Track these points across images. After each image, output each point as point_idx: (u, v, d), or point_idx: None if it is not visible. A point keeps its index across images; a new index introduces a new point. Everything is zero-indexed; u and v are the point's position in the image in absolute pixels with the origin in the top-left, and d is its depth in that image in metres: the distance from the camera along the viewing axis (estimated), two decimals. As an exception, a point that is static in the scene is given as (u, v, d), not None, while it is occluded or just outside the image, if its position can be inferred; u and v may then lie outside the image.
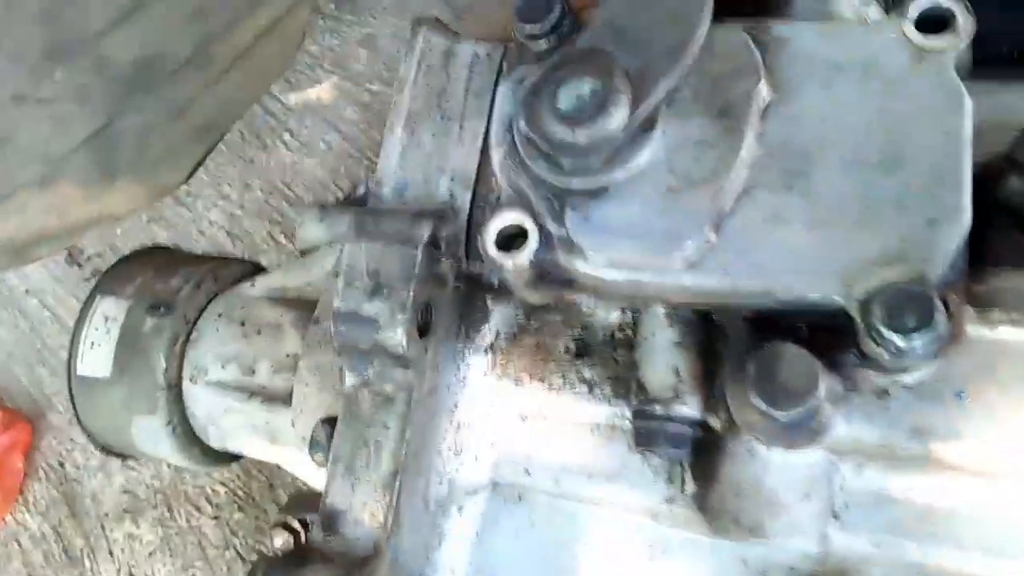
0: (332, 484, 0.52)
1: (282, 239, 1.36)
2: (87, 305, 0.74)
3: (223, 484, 1.23)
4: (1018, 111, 0.55)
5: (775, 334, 0.48)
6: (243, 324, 0.73)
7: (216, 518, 1.23)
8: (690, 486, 0.54)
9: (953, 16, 0.48)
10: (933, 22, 0.48)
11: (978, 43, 0.95)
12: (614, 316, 0.58)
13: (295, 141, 1.40)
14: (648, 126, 0.50)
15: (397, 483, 0.51)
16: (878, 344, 0.43)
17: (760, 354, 0.45)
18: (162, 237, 1.34)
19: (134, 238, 1.34)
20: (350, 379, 0.54)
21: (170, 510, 1.25)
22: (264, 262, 1.31)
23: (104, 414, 0.76)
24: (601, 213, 0.50)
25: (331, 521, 0.51)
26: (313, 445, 0.59)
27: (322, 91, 1.47)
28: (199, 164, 0.84)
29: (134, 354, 0.73)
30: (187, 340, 0.74)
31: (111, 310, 0.74)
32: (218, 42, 0.76)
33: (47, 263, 1.41)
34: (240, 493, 1.23)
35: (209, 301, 0.75)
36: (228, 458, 0.82)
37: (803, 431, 0.46)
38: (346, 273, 0.52)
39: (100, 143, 0.75)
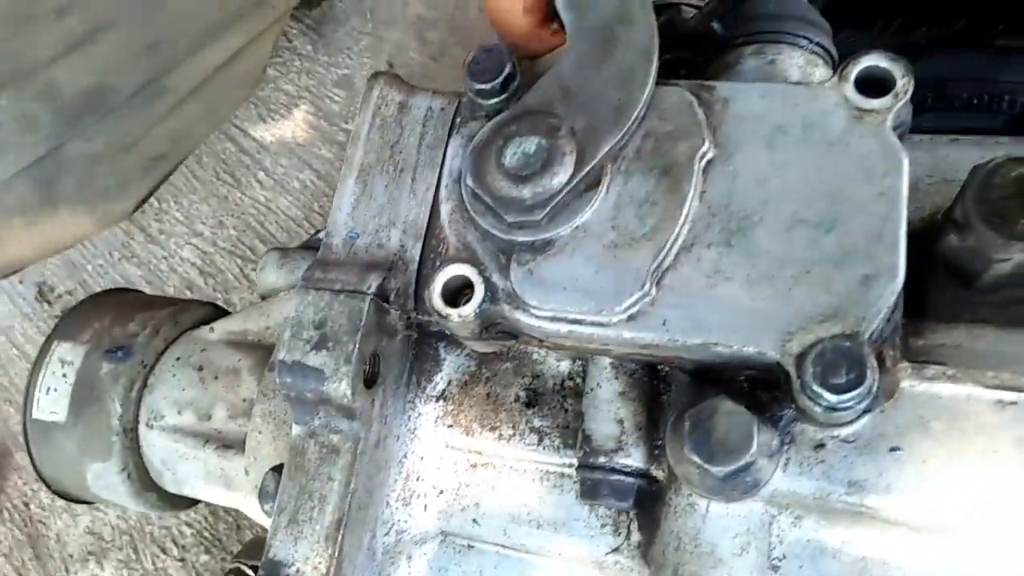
0: (275, 535, 0.52)
1: (254, 277, 1.36)
2: (44, 350, 0.74)
3: (189, 525, 1.22)
4: (961, 166, 0.56)
5: (715, 387, 0.48)
6: (200, 369, 0.73)
7: (182, 560, 1.22)
8: (635, 536, 0.54)
9: (892, 78, 0.49)
10: (872, 84, 0.50)
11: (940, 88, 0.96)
12: (564, 365, 0.58)
13: (269, 179, 1.41)
14: (593, 184, 0.51)
15: (340, 535, 0.51)
16: (811, 400, 0.44)
17: (696, 410, 0.45)
18: (134, 274, 1.34)
19: (105, 275, 1.34)
20: (296, 429, 0.54)
21: (135, 552, 1.23)
22: (236, 299, 1.31)
23: (59, 459, 0.75)
24: (545, 267, 0.50)
25: (274, 574, 0.51)
26: (263, 494, 0.59)
27: (297, 130, 1.48)
28: (150, 194, 0.84)
29: (90, 399, 0.73)
30: (144, 385, 0.73)
31: (68, 355, 0.74)
32: (172, 75, 0.76)
33: (16, 299, 1.40)
34: (207, 535, 1.22)
35: (168, 346, 0.75)
36: (186, 503, 0.81)
37: (739, 485, 0.46)
38: (293, 324, 0.52)
39: (43, 170, 0.75)
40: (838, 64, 0.55)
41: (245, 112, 1.48)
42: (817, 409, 0.44)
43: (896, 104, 0.48)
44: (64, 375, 0.74)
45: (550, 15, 0.57)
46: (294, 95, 1.50)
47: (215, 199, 1.38)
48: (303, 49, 1.52)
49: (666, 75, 0.73)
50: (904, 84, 0.48)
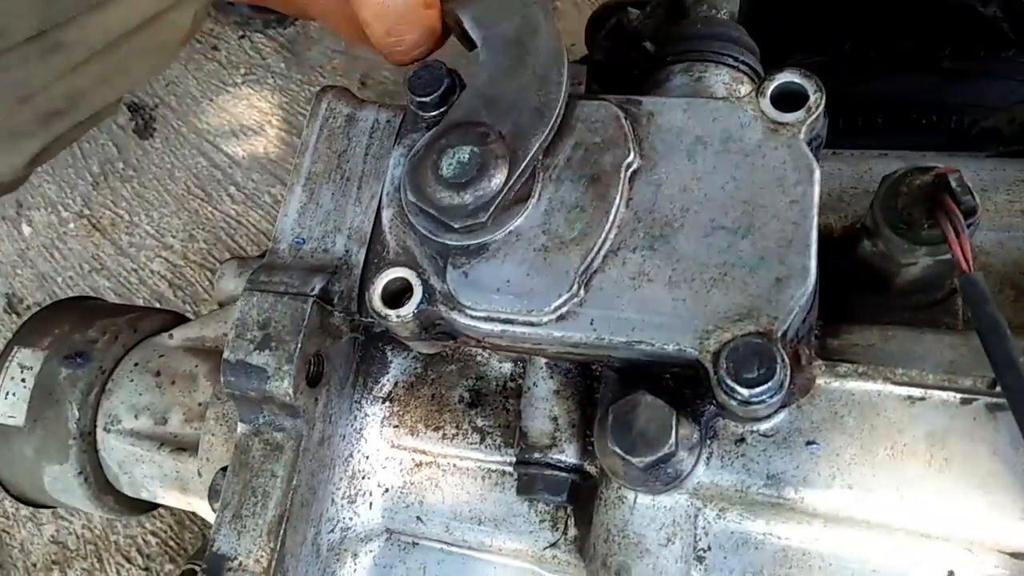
0: (219, 530, 0.53)
1: (222, 288, 1.38)
2: (4, 355, 0.76)
3: (154, 535, 1.22)
4: (881, 175, 0.59)
5: (642, 383, 0.51)
6: (158, 374, 0.75)
7: (147, 569, 1.22)
8: (572, 531, 0.56)
9: (805, 93, 0.52)
10: (788, 99, 0.53)
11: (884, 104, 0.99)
12: (507, 366, 0.60)
13: (240, 194, 1.43)
14: (526, 191, 0.53)
15: (282, 530, 0.53)
16: (727, 394, 0.46)
17: (619, 404, 0.47)
18: (103, 286, 1.35)
19: (75, 287, 1.36)
20: (241, 428, 0.56)
21: (100, 561, 1.24)
22: (204, 311, 1.33)
23: (18, 463, 0.76)
24: (479, 270, 0.52)
25: (217, 567, 0.52)
26: (212, 494, 0.61)
27: (270, 145, 1.50)
28: (45, 153, 0.82)
29: (48, 404, 0.74)
30: (102, 390, 0.75)
31: (27, 360, 0.75)
32: (69, 29, 0.73)
33: (-16, 311, 1.41)
34: (172, 544, 1.23)
35: (126, 352, 0.77)
36: (145, 506, 0.82)
37: (661, 476, 0.48)
38: (237, 324, 0.54)
39: None
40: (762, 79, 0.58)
41: (218, 128, 1.51)
42: (733, 403, 0.46)
43: (809, 118, 0.51)
44: (23, 380, 0.75)
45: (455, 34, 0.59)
46: (267, 112, 1.52)
47: (186, 213, 1.40)
48: (276, 67, 1.55)
49: (620, 75, 0.75)
50: (816, 99, 0.51)
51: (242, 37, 1.55)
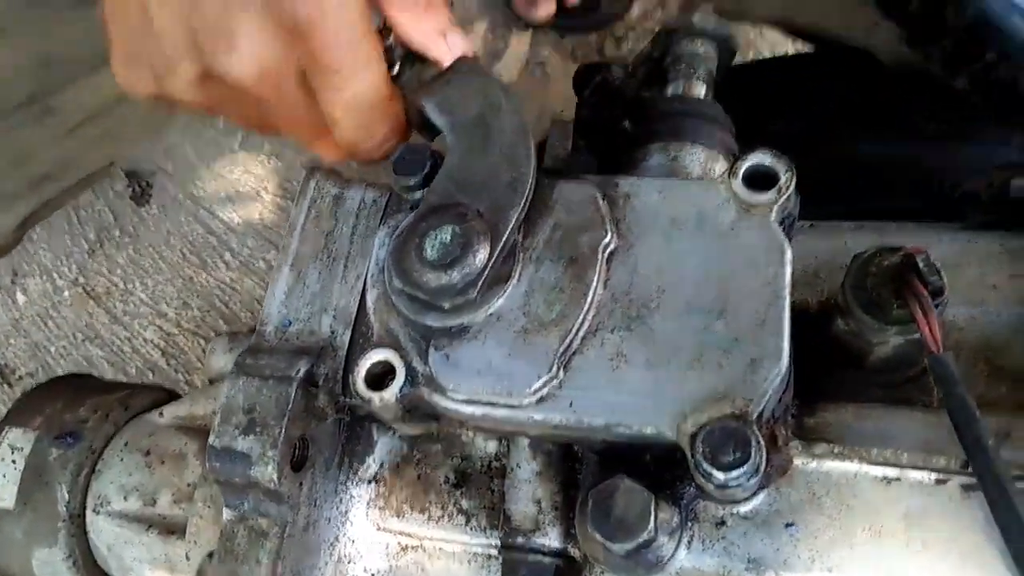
0: (203, 619, 0.53)
1: (214, 359, 1.38)
2: (-6, 436, 0.76)
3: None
4: (856, 250, 0.60)
5: (622, 466, 0.51)
6: (147, 454, 0.75)
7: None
8: (558, 615, 0.55)
9: (776, 174, 0.54)
10: (760, 179, 0.54)
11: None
12: (492, 446, 0.61)
13: (235, 260, 1.44)
14: (506, 273, 0.54)
15: (266, 618, 0.52)
16: (704, 477, 0.46)
17: (598, 489, 0.48)
18: (96, 356, 1.36)
19: (68, 356, 1.36)
20: (227, 514, 0.56)
21: (90, 637, 1.22)
22: (198, 380, 1.33)
23: (7, 546, 0.76)
24: (461, 352, 0.53)
25: (200, 657, 0.52)
26: (199, 579, 0.61)
27: (265, 211, 1.52)
28: (35, 216, 0.82)
29: (38, 485, 0.74)
30: (92, 471, 0.75)
31: (18, 441, 0.75)
32: (63, 95, 0.74)
33: (-23, 384, 1.41)
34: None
35: (117, 430, 0.77)
36: (134, 588, 0.81)
37: (642, 562, 0.48)
38: (223, 409, 0.55)
39: None
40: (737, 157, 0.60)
41: (214, 195, 1.53)
42: (711, 486, 0.47)
43: (780, 198, 0.52)
44: (13, 461, 0.75)
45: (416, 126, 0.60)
46: (263, 177, 1.55)
47: (181, 280, 1.41)
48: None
49: (608, 130, 0.76)
50: (787, 179, 0.53)
51: (238, 106, 1.58)
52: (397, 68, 0.59)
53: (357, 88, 0.53)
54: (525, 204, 0.53)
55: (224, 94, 0.52)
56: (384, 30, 0.58)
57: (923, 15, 0.53)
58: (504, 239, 0.52)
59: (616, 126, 0.71)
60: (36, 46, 0.71)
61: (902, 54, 0.60)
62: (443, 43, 0.58)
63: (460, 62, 0.58)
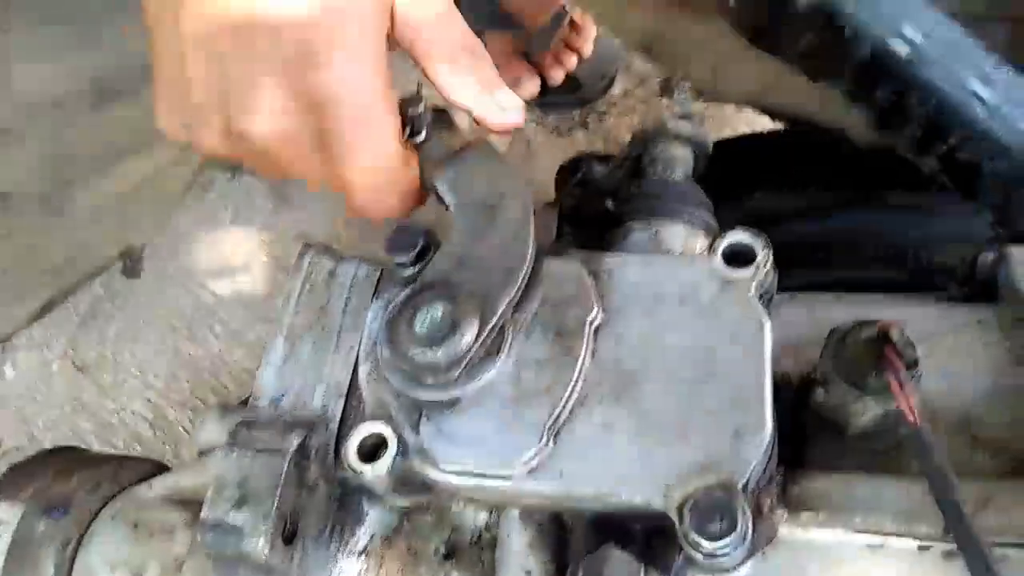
0: None
1: (203, 430, 1.37)
2: (-19, 510, 0.75)
3: None
4: (838, 323, 0.62)
5: (612, 536, 0.52)
6: (136, 526, 0.74)
7: None
8: None
9: (753, 251, 0.56)
10: (738, 256, 0.56)
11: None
12: (482, 516, 0.61)
13: (225, 331, 1.45)
14: (496, 346, 0.56)
15: None
16: (692, 547, 0.47)
17: (587, 560, 0.49)
18: (84, 428, 1.35)
19: (55, 429, 1.35)
20: (217, 587, 0.56)
21: None
22: (185, 452, 1.32)
23: (-12, 623, 0.75)
24: (452, 424, 0.54)
25: None
26: (186, 655, 0.60)
27: (256, 283, 1.54)
28: (45, 308, 0.83)
29: (24, 560, 0.73)
30: (79, 544, 0.74)
31: (5, 515, 0.75)
32: (75, 191, 0.75)
33: (-38, 455, 1.40)
34: None
35: (105, 503, 0.77)
36: (117, 666, 0.80)
37: (633, 633, 0.48)
38: (216, 483, 0.55)
39: None
40: (716, 234, 0.62)
41: (205, 267, 1.55)
42: (699, 556, 0.47)
43: (758, 274, 0.55)
44: (0, 536, 0.75)
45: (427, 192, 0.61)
46: (254, 250, 1.57)
47: (169, 351, 1.42)
48: (265, 207, 1.61)
49: (590, 221, 0.79)
50: (764, 257, 0.55)
51: (231, 178, 1.61)
52: (424, 135, 0.58)
53: (369, 160, 0.54)
54: (518, 292, 0.55)
55: (248, 149, 0.53)
56: (415, 98, 0.58)
57: (888, 104, 0.56)
58: (492, 323, 0.54)
59: (597, 217, 0.74)
60: (50, 147, 0.73)
61: (874, 135, 0.63)
62: (492, 102, 0.56)
63: (475, 143, 0.59)
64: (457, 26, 0.56)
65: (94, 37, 0.69)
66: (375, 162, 0.55)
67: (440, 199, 0.61)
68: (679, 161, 0.69)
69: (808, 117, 0.96)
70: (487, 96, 0.56)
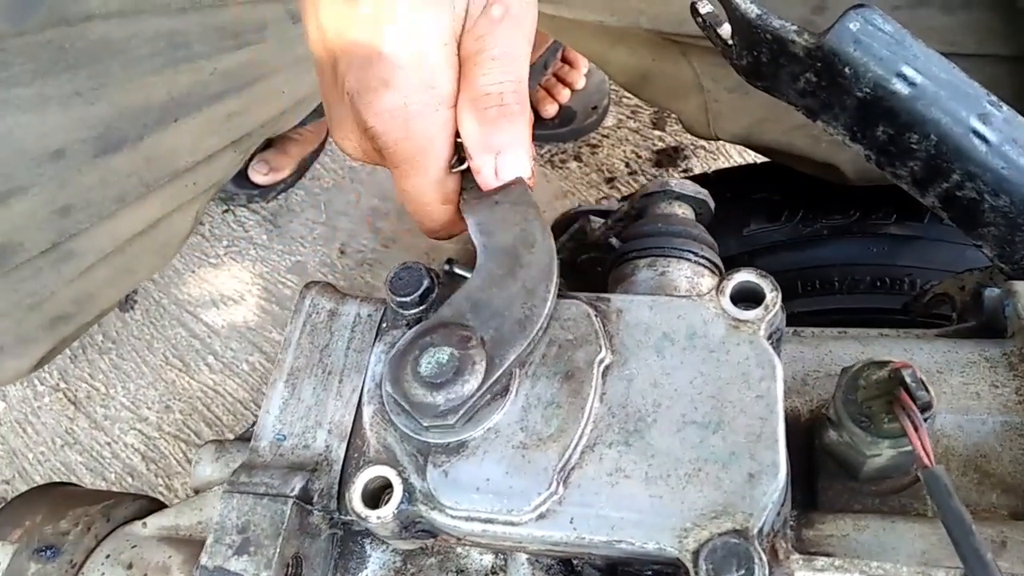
0: None
1: (197, 464, 1.36)
2: (-29, 552, 0.73)
3: None
4: (844, 360, 0.62)
5: (623, 582, 0.51)
6: (130, 567, 0.73)
7: None
8: None
9: (762, 292, 0.56)
10: (746, 296, 0.56)
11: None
12: (487, 559, 0.60)
13: (218, 363, 1.43)
14: (503, 389, 0.55)
15: None
16: (708, 595, 0.46)
17: (600, 607, 0.47)
18: (75, 461, 1.33)
19: (46, 463, 1.33)
20: (217, 635, 0.54)
21: None
22: (178, 485, 1.31)
23: (-24, 668, 0.73)
24: (459, 468, 0.53)
25: None
26: None
27: (249, 314, 1.52)
28: (50, 354, 0.83)
29: (14, 603, 0.72)
30: (72, 586, 0.72)
31: (-4, 556, 0.73)
32: (81, 239, 0.76)
33: (-49, 491, 1.37)
34: None
35: (98, 543, 0.75)
36: None
37: None
38: (216, 529, 0.54)
39: None
40: (722, 273, 0.62)
41: (198, 299, 1.54)
42: (714, 603, 0.46)
43: (767, 315, 0.54)
44: (-10, 578, 0.73)
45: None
46: (248, 282, 1.56)
47: (163, 383, 1.40)
48: (259, 239, 1.60)
49: (583, 273, 0.80)
50: (773, 298, 0.55)
51: (226, 211, 1.60)
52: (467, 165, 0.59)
53: (414, 185, 0.59)
54: (530, 344, 0.54)
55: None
56: None
57: (888, 142, 0.56)
58: (498, 374, 0.53)
59: (592, 269, 0.73)
60: (55, 197, 0.73)
61: (869, 170, 0.63)
62: (490, 162, 0.57)
63: (514, 184, 0.58)
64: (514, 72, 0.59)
65: (96, 87, 0.69)
66: (420, 188, 0.59)
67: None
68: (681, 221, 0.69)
69: (800, 153, 0.96)
70: (487, 157, 0.57)
